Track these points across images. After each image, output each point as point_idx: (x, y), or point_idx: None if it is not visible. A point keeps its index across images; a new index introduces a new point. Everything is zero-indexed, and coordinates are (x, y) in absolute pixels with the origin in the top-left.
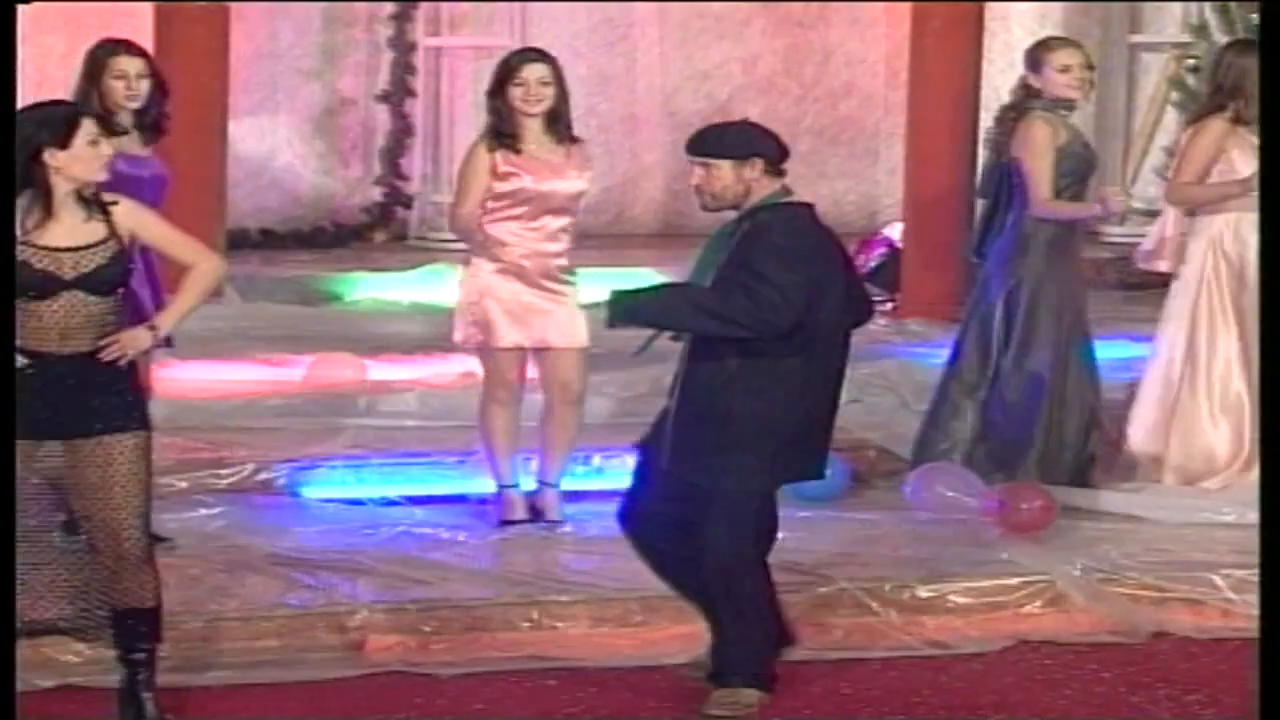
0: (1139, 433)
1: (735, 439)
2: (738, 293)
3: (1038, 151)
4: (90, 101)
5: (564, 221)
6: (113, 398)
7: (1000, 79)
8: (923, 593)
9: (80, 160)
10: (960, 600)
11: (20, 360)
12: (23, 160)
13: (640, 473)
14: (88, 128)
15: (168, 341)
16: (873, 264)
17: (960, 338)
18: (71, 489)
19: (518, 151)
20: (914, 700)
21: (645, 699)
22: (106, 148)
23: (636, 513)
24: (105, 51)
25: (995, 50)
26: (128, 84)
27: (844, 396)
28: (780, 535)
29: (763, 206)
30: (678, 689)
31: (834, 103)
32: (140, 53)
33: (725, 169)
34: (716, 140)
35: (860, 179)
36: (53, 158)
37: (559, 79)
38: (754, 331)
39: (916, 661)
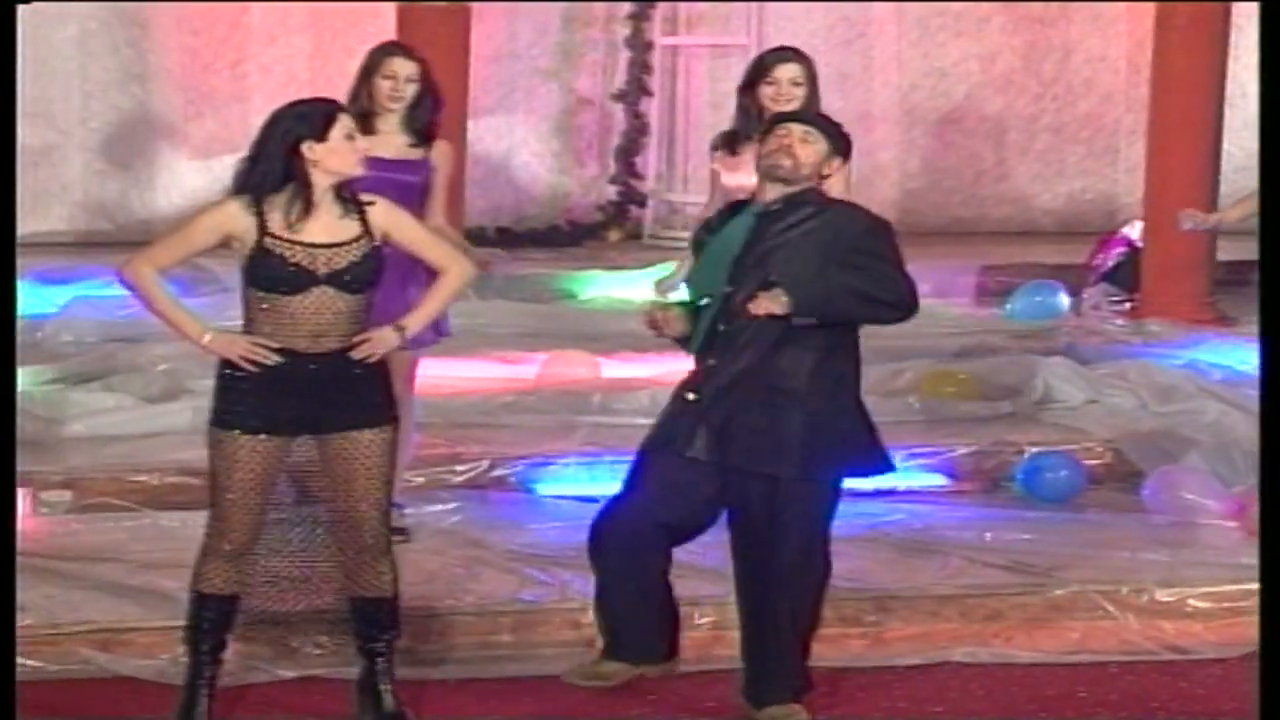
0: None
1: (851, 427)
2: (886, 280)
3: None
4: (360, 99)
5: None
6: (361, 394)
7: (1245, 75)
8: (1161, 596)
9: (336, 154)
10: (1200, 605)
11: (272, 357)
12: (282, 154)
13: (662, 481)
14: (344, 122)
15: (437, 331)
16: (1111, 263)
17: None
18: (316, 480)
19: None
20: (1152, 705)
21: (878, 699)
22: (363, 143)
23: (639, 523)
24: (381, 52)
25: (1241, 46)
26: (395, 85)
27: (1081, 397)
28: (1012, 536)
29: (818, 200)
30: (913, 691)
31: (1073, 100)
32: (415, 58)
33: (820, 151)
34: (829, 123)
35: (1099, 177)
36: (310, 151)
37: (811, 79)
38: (902, 316)
39: (1154, 666)
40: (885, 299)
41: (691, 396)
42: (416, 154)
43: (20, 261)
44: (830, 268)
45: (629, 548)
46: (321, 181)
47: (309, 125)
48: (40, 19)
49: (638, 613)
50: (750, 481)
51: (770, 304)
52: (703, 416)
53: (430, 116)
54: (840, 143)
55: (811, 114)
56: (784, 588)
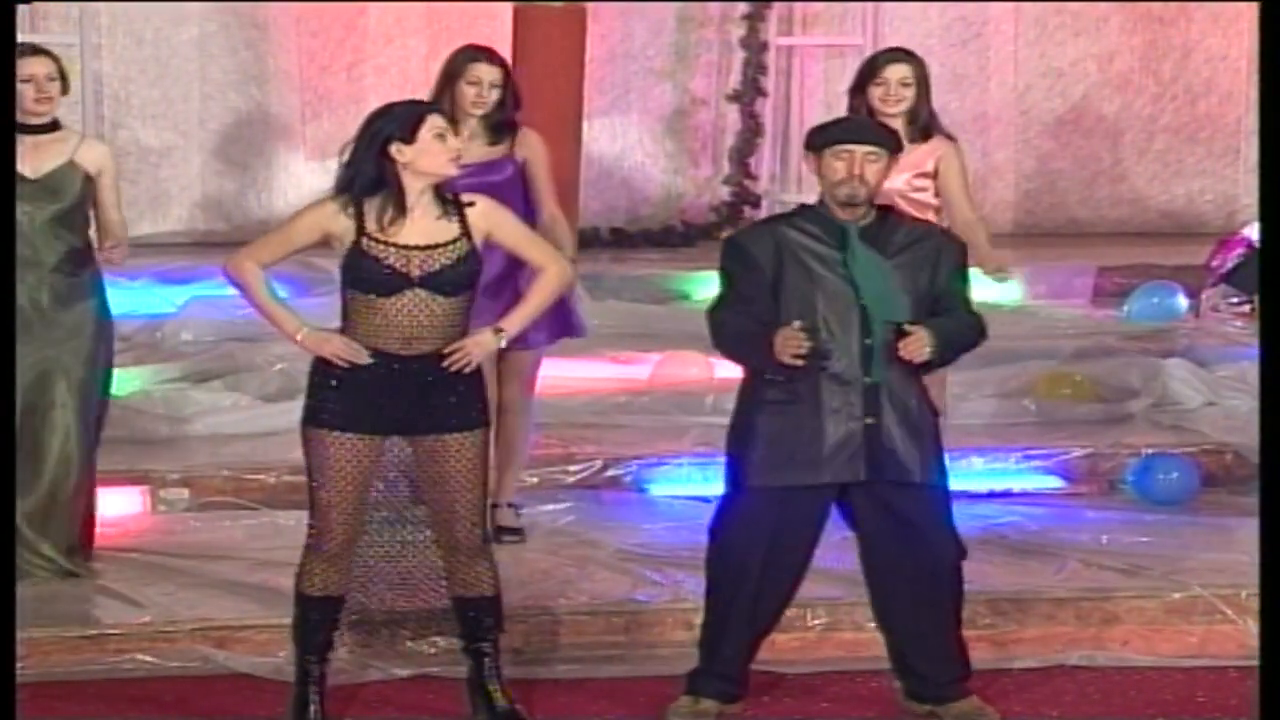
0: None
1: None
2: (973, 315)
3: None
4: (443, 103)
5: None
6: (454, 397)
7: None
8: None
9: (427, 154)
10: None
11: (364, 358)
12: (372, 155)
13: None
14: (433, 122)
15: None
16: (1230, 265)
17: None
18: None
19: None
20: None
21: (994, 702)
22: (455, 142)
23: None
24: (465, 57)
25: None
26: (479, 91)
27: (1199, 399)
28: (1129, 539)
29: (909, 221)
30: (1029, 694)
31: (1193, 100)
32: (500, 62)
33: (885, 163)
34: (888, 134)
35: (1218, 178)
36: (399, 152)
37: (921, 80)
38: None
39: None
40: (980, 331)
41: (870, 421)
42: (497, 152)
43: (139, 261)
44: (933, 296)
45: (765, 585)
46: (414, 183)
47: (398, 126)
48: (160, 20)
49: (747, 650)
50: (901, 491)
51: (918, 350)
52: (864, 437)
53: (507, 116)
54: (893, 144)
55: (864, 126)
56: (950, 584)
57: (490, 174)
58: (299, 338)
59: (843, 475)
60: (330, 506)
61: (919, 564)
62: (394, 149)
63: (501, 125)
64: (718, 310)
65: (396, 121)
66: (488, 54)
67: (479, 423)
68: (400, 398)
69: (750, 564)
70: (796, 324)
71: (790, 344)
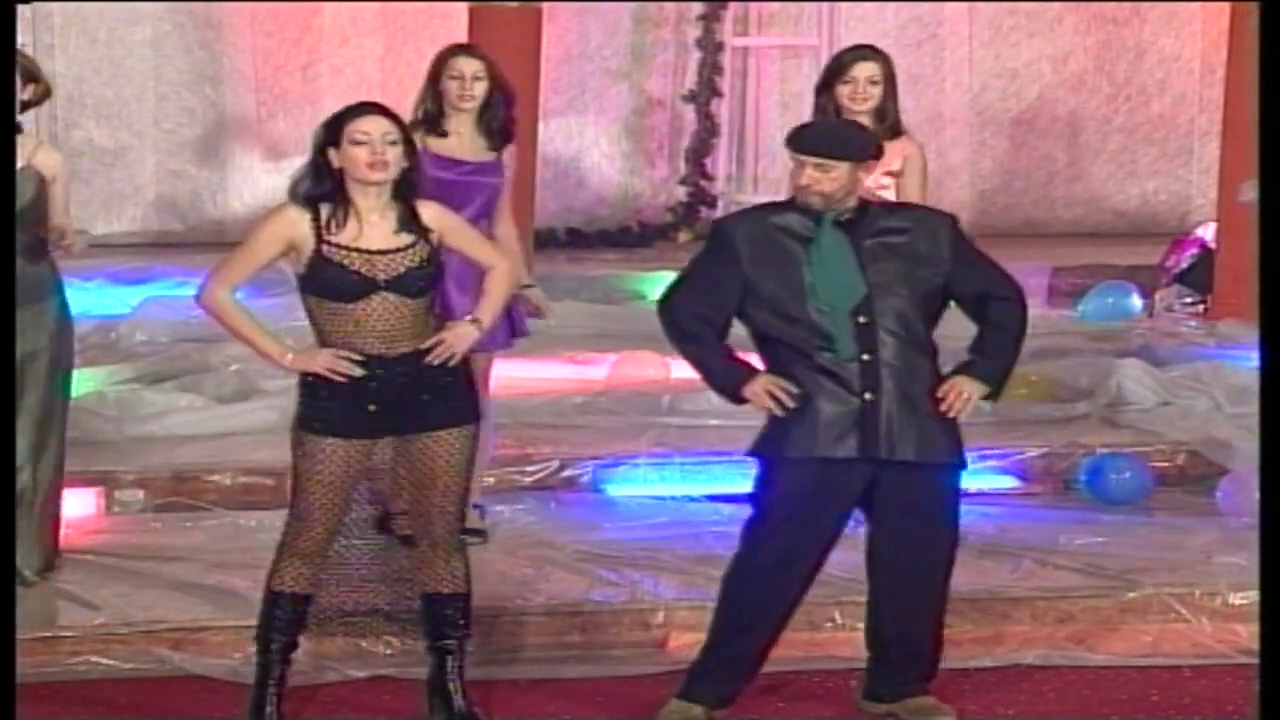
0: None
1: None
2: (1014, 300)
3: None
4: (426, 103)
5: None
6: (444, 394)
7: None
8: (1235, 599)
9: (347, 159)
10: None
11: (355, 370)
12: (315, 163)
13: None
14: (354, 127)
15: (513, 332)
16: (1184, 265)
17: None
18: (393, 481)
19: None
20: (1227, 709)
21: (949, 702)
22: (382, 145)
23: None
24: (446, 54)
25: None
26: (462, 84)
27: (1154, 399)
28: (1084, 539)
29: (890, 207)
30: (985, 694)
31: (1146, 100)
32: (480, 56)
33: (844, 171)
34: (841, 143)
35: (1172, 178)
36: (335, 158)
37: (889, 77)
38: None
39: (1228, 670)
40: (1019, 304)
41: (870, 396)
42: (492, 156)
43: (94, 262)
44: (944, 276)
45: (776, 592)
46: (358, 187)
47: (328, 133)
48: (114, 20)
49: (752, 661)
50: (918, 473)
51: (962, 405)
52: (876, 412)
53: (505, 114)
54: (862, 150)
55: (820, 135)
56: (943, 574)
57: (489, 175)
58: (286, 362)
59: (836, 450)
60: (314, 507)
61: (919, 551)
62: (330, 155)
63: (502, 129)
64: (676, 291)
65: (327, 129)
66: (466, 49)
67: (470, 418)
68: (391, 399)
69: (773, 535)
70: (782, 383)
71: (767, 399)
